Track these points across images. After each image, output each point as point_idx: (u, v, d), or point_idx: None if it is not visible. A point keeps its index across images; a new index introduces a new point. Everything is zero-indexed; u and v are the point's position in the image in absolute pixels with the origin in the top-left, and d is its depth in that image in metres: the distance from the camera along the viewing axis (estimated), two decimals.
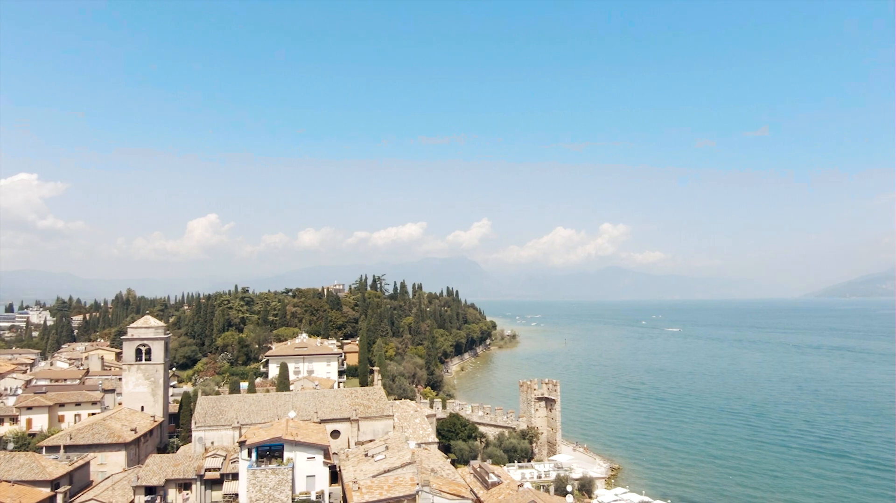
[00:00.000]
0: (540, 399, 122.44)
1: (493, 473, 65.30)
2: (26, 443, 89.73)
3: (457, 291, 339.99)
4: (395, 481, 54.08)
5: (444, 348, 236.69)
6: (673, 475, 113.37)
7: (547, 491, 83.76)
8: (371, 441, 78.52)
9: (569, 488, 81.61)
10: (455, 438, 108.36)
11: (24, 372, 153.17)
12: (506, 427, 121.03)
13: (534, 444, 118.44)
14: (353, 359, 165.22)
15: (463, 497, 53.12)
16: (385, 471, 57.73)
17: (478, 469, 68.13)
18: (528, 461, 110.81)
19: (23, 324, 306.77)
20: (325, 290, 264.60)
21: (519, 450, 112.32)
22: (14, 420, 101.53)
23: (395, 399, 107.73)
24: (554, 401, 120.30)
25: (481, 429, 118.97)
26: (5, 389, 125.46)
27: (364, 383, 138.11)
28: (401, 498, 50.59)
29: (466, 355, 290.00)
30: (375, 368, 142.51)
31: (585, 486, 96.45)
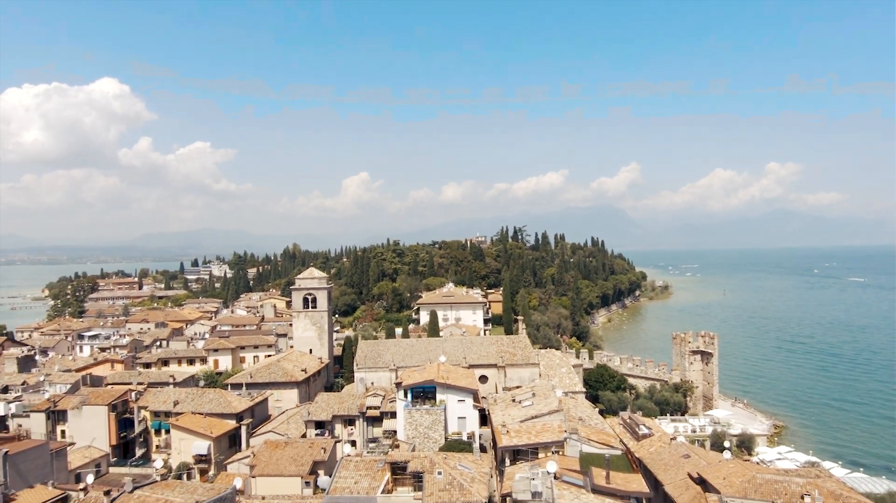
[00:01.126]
0: (695, 352, 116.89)
1: (644, 425, 63.94)
2: (214, 380, 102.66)
3: (602, 241, 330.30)
4: (543, 427, 54.83)
5: (589, 299, 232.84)
6: (845, 437, 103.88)
7: (702, 446, 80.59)
8: (518, 387, 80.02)
9: (726, 444, 77.84)
10: (603, 389, 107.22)
11: (210, 318, 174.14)
12: (657, 380, 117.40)
13: (688, 398, 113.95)
14: (497, 309, 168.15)
15: (612, 446, 52.66)
16: (532, 417, 58.69)
17: (628, 420, 67.09)
18: (682, 415, 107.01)
19: (206, 277, 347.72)
20: (468, 242, 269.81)
21: (672, 403, 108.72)
22: (203, 360, 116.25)
23: (539, 348, 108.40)
24: (711, 354, 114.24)
25: (631, 380, 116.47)
26: (195, 334, 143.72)
27: (509, 332, 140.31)
28: (548, 443, 51.24)
29: (614, 307, 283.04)
30: (519, 318, 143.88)
31: (745, 443, 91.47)
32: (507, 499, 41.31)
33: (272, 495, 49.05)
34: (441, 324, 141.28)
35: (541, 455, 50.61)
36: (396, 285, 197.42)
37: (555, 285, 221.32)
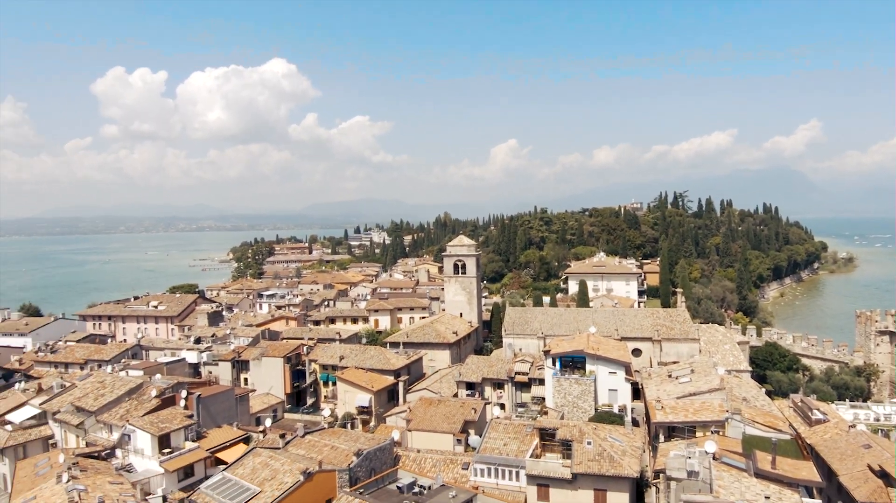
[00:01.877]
0: (883, 333, 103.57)
1: (818, 409, 58.06)
2: (375, 338, 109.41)
3: (775, 208, 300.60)
4: (702, 405, 51.90)
5: (759, 272, 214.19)
6: None
7: (886, 436, 71.67)
8: (674, 363, 76.30)
9: None
10: (772, 369, 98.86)
11: (371, 281, 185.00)
12: (836, 361, 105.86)
13: (871, 383, 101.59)
14: (652, 280, 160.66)
15: (780, 430, 48.51)
16: (690, 394, 55.76)
17: (799, 403, 61.31)
18: (864, 401, 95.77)
19: (367, 243, 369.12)
20: (622, 209, 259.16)
21: (852, 387, 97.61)
22: (365, 320, 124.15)
23: (700, 322, 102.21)
24: None
25: (804, 361, 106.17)
26: (358, 295, 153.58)
27: (666, 304, 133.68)
28: (707, 422, 48.44)
29: (787, 280, 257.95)
30: (678, 290, 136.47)
31: None
32: (660, 475, 39.85)
33: (426, 449, 51.64)
34: (591, 294, 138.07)
35: (698, 434, 48.06)
36: (543, 254, 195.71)
37: (719, 256, 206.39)
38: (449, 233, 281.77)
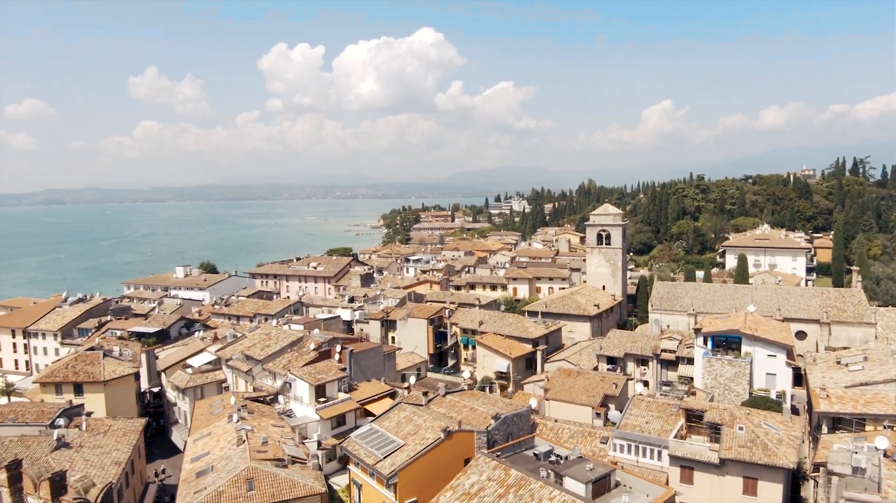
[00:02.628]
0: None
1: None
2: (513, 306, 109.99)
3: None
4: (874, 397, 46.44)
5: None
6: None
7: None
8: (845, 348, 68.77)
9: None
10: None
11: (510, 250, 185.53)
12: None
13: None
14: (824, 256, 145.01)
15: None
16: (861, 384, 50.10)
17: None
18: None
19: (507, 212, 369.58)
20: (791, 177, 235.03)
21: None
22: (504, 287, 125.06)
23: (878, 305, 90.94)
24: None
25: None
26: (497, 263, 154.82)
27: (838, 284, 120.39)
28: (880, 416, 43.31)
29: None
30: (854, 268, 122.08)
31: None
32: (821, 469, 36.46)
33: (563, 419, 51.46)
34: (751, 270, 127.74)
35: (868, 428, 43.24)
36: (699, 224, 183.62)
37: None
38: (593, 201, 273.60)
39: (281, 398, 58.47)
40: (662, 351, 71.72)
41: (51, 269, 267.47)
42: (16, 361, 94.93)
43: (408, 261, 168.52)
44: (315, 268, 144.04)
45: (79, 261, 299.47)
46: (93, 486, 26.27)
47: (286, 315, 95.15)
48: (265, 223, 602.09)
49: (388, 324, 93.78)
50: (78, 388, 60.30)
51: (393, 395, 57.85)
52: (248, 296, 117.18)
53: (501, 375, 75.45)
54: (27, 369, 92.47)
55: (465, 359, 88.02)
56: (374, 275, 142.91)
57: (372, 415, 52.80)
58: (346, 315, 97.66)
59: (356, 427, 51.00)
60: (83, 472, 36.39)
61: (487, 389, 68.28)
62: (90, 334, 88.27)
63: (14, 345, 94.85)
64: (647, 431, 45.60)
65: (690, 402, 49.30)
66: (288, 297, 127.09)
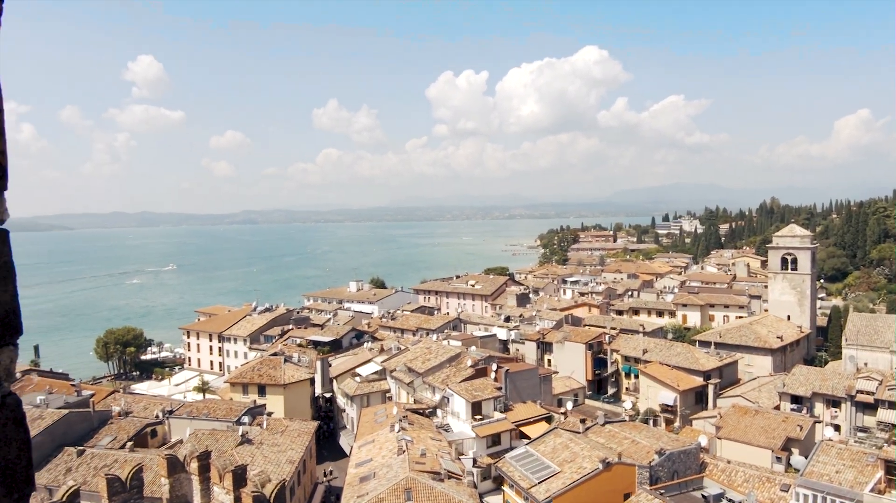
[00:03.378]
0: None
1: None
2: (682, 335, 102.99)
3: None
4: None
5: None
6: None
7: None
8: None
9: None
10: None
11: (679, 273, 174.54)
12: None
13: None
14: None
15: None
16: None
17: None
18: None
19: (676, 232, 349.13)
20: None
21: None
22: (672, 314, 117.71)
23: None
24: None
25: None
26: (664, 287, 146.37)
27: None
28: None
29: None
30: None
31: None
32: None
33: (737, 461, 46.88)
34: None
35: None
36: None
37: None
38: (776, 221, 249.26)
39: (439, 412, 59.88)
40: (858, 392, 62.74)
41: (245, 281, 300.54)
42: (211, 362, 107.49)
43: (565, 282, 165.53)
44: (473, 286, 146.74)
45: (268, 275, 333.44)
46: (269, 482, 28.65)
47: (445, 331, 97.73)
48: (428, 242, 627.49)
49: (545, 347, 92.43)
50: (261, 390, 66.68)
51: (549, 420, 56.69)
52: (412, 311, 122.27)
53: (667, 408, 70.80)
54: (220, 370, 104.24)
55: (627, 389, 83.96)
56: (530, 295, 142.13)
57: (527, 437, 52.12)
58: (501, 334, 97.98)
59: (511, 448, 50.62)
60: (261, 468, 39.96)
61: (651, 422, 64.40)
62: (274, 341, 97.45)
63: (210, 347, 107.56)
64: (837, 482, 39.98)
65: (892, 453, 42.48)
66: (448, 314, 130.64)
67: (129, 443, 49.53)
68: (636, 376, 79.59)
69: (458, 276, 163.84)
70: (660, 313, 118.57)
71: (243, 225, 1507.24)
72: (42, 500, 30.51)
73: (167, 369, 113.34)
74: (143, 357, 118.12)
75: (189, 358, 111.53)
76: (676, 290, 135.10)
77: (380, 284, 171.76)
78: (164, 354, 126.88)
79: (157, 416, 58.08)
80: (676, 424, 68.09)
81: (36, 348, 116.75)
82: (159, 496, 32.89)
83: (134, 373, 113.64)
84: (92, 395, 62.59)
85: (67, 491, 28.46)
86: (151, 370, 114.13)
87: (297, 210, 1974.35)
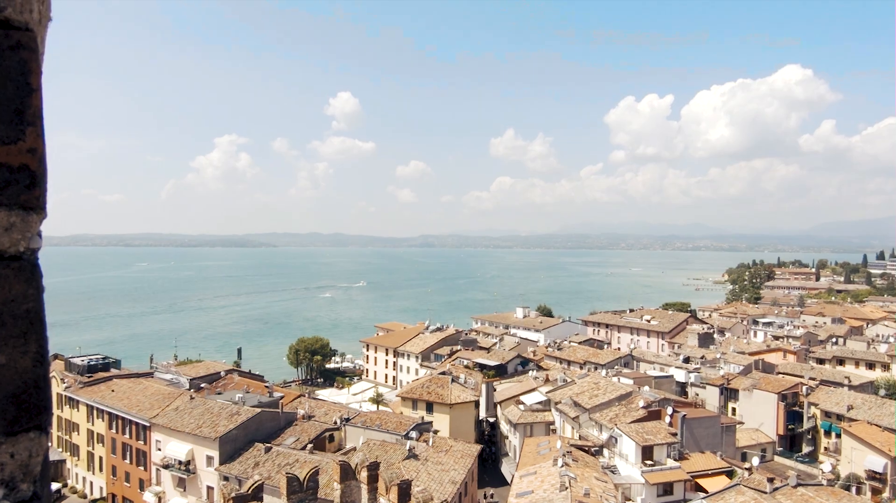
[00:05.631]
0: None
1: None
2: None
3: None
4: None
5: None
6: None
7: None
8: None
9: None
10: None
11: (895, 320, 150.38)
12: None
13: None
14: None
15: None
16: None
17: None
18: None
19: (894, 272, 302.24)
20: None
21: None
22: (885, 367, 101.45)
23: None
24: None
25: None
26: (877, 335, 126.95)
27: None
28: None
29: None
30: None
31: None
32: None
33: None
34: None
35: None
36: None
37: None
38: None
39: (606, 452, 57.24)
40: None
41: (419, 300, 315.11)
42: (386, 375, 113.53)
43: (756, 323, 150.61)
44: (648, 321, 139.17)
45: (440, 296, 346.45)
46: (431, 500, 29.30)
47: (616, 366, 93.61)
48: (600, 272, 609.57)
49: (729, 393, 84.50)
50: (429, 407, 68.90)
51: (730, 474, 51.51)
52: (580, 343, 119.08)
53: (875, 476, 60.85)
54: (393, 383, 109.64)
55: (826, 449, 73.65)
56: (715, 335, 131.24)
57: (703, 490, 47.80)
58: (679, 376, 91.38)
59: (685, 500, 46.73)
60: (425, 485, 41.03)
61: (854, 490, 55.68)
62: (443, 360, 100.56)
63: (386, 361, 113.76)
64: None
65: None
66: (618, 349, 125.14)
67: (310, 446, 53.82)
68: (838, 435, 69.68)
69: (631, 310, 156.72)
70: (870, 365, 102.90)
71: (420, 248, 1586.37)
72: (231, 490, 34.21)
73: (347, 378, 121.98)
74: (327, 365, 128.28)
75: (367, 369, 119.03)
76: (892, 340, 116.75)
77: (547, 312, 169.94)
78: (345, 364, 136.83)
79: (335, 422, 62.52)
80: (885, 495, 58.24)
81: (239, 351, 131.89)
82: (331, 499, 35.17)
83: (319, 380, 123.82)
84: (281, 397, 69.18)
85: (253, 484, 31.56)
86: (334, 378, 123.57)
87: (470, 235, 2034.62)
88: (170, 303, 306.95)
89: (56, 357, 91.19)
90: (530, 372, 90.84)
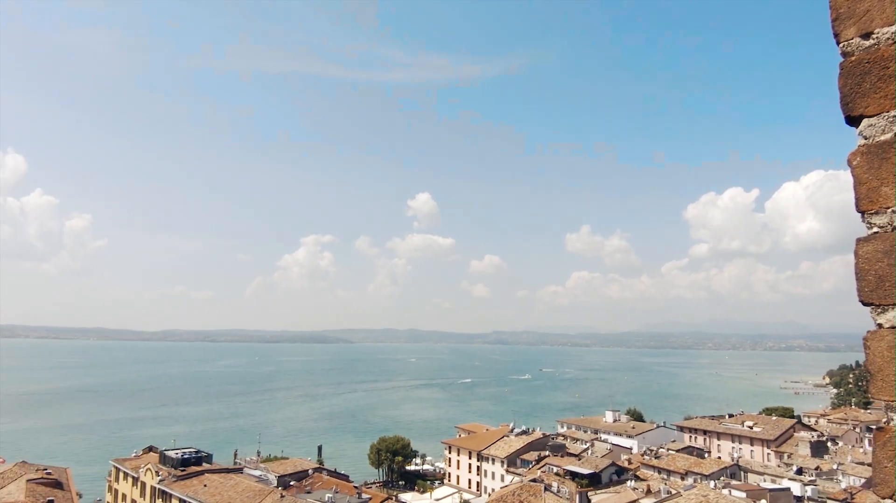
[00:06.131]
0: None
1: None
2: None
3: None
4: None
5: None
6: None
7: None
8: None
9: None
10: None
11: None
12: None
13: None
14: None
15: None
16: None
17: None
18: None
19: None
20: None
21: None
22: None
23: None
24: None
25: None
26: None
27: None
28: None
29: None
30: None
31: None
32: None
33: None
34: None
35: None
36: None
37: None
38: None
39: None
40: None
41: (496, 400, 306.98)
42: (469, 480, 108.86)
43: (870, 430, 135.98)
44: (751, 427, 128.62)
45: (518, 395, 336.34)
46: None
47: (722, 477, 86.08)
48: (688, 373, 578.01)
49: None
50: None
51: None
52: (677, 451, 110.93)
53: None
54: (477, 490, 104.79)
55: None
56: (828, 443, 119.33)
57: None
58: (795, 488, 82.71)
59: None
60: None
61: None
62: (530, 466, 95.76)
63: (469, 465, 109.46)
64: None
65: None
66: (719, 457, 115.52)
67: None
68: None
69: (730, 415, 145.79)
70: None
71: (493, 345, 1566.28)
72: None
73: (428, 482, 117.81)
74: (407, 467, 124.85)
75: (449, 473, 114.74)
76: None
77: (638, 416, 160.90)
78: (426, 467, 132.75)
79: None
80: None
81: (319, 448, 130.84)
82: None
83: (400, 483, 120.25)
84: (370, 499, 67.32)
85: None
86: (415, 481, 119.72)
87: (545, 332, 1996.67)
88: (253, 399, 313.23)
89: (150, 449, 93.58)
90: (628, 482, 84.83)
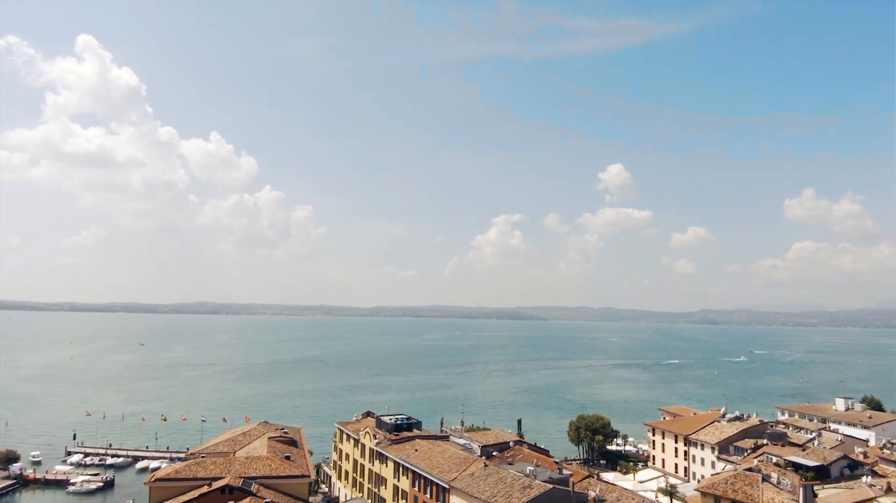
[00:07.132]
0: None
1: None
2: None
3: None
4: None
5: None
6: None
7: None
8: None
9: None
10: None
11: None
12: None
13: None
14: None
15: None
16: None
17: None
18: None
19: None
20: None
21: None
22: None
23: None
24: None
25: None
26: None
27: None
28: None
29: None
30: None
31: None
32: None
33: None
34: None
35: None
36: None
37: None
38: None
39: None
40: None
41: (704, 383, 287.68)
42: (676, 465, 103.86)
43: None
44: None
45: (730, 378, 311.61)
46: None
47: None
48: None
49: None
50: None
51: None
52: None
53: None
54: (685, 475, 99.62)
55: None
56: None
57: None
58: None
59: None
60: None
61: None
62: (746, 454, 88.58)
63: (676, 449, 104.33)
64: None
65: None
66: None
67: None
68: None
69: None
70: None
71: (700, 324, 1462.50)
72: None
73: (630, 463, 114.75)
74: (608, 447, 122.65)
75: (653, 456, 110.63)
76: None
77: (876, 405, 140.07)
78: (627, 448, 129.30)
79: None
80: None
81: (519, 422, 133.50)
82: None
83: (601, 462, 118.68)
84: (570, 475, 67.46)
85: None
86: (616, 461, 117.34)
87: (762, 311, 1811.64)
88: (455, 371, 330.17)
89: (368, 414, 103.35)
90: (864, 478, 74.59)
